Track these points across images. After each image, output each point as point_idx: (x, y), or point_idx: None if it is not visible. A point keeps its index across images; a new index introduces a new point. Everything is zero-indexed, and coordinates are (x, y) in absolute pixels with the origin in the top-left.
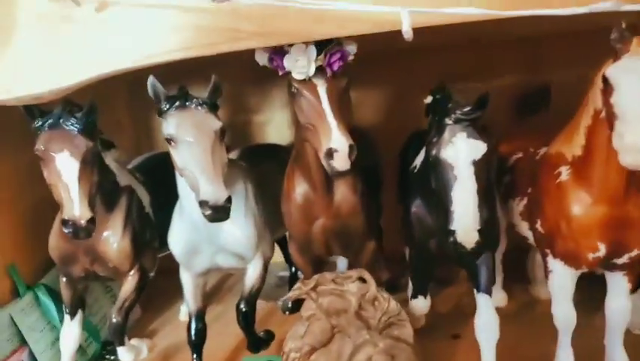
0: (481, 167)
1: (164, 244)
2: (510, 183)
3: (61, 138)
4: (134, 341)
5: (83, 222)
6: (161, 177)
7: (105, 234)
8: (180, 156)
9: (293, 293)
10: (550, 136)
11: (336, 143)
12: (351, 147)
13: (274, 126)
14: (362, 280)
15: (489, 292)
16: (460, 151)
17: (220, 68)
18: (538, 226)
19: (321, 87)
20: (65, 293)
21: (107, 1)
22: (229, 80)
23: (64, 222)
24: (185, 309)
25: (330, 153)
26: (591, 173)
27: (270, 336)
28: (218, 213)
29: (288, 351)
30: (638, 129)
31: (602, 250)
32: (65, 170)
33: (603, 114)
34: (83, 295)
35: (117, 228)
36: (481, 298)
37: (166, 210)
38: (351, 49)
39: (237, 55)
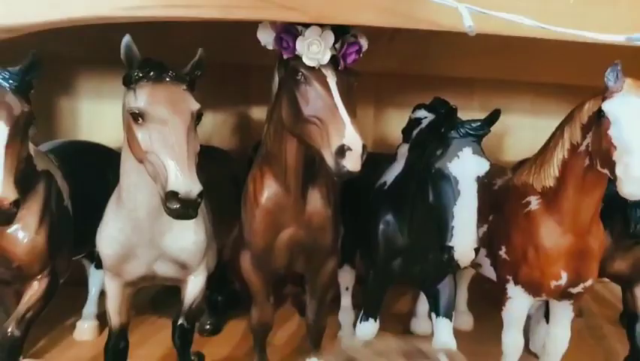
0: (481, 184)
1: (78, 245)
2: None
3: None
4: None
5: (6, 203)
6: (81, 167)
7: (14, 226)
8: (147, 137)
9: None
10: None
11: (350, 140)
12: (364, 147)
13: None
14: None
15: (449, 316)
16: (466, 166)
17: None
18: (502, 252)
19: (331, 79)
20: None
21: None
22: None
23: None
24: (83, 325)
25: (341, 151)
26: (563, 204)
27: (201, 359)
28: (188, 208)
29: None
30: None
31: (563, 278)
32: None
33: (582, 148)
34: None
35: (31, 219)
36: (441, 323)
37: (85, 206)
38: (364, 44)
39: None
